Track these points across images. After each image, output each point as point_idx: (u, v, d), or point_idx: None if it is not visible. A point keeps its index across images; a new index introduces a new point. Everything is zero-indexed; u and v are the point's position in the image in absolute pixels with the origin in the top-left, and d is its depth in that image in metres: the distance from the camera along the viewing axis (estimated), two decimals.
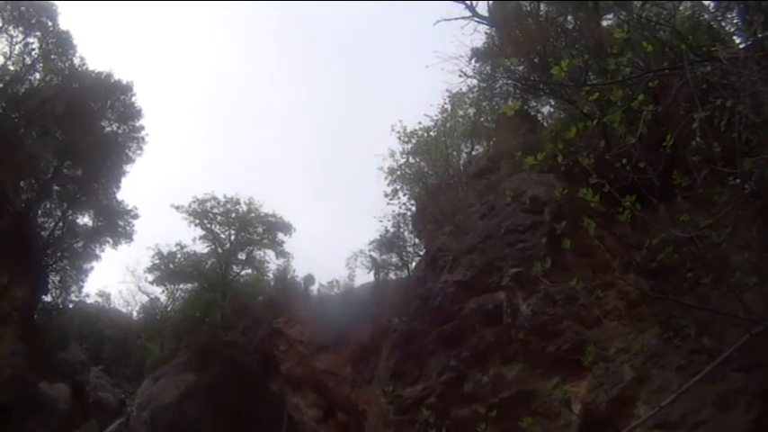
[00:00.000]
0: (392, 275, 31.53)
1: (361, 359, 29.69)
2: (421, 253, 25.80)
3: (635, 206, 6.78)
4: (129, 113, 38.46)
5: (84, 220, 39.23)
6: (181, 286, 41.17)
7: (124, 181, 39.78)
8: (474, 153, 25.71)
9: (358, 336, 29.95)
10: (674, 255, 7.54)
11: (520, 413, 10.54)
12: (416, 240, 28.91)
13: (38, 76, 35.05)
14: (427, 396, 14.14)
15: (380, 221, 29.93)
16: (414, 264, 27.89)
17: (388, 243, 30.48)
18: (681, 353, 10.21)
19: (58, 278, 38.03)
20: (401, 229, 29.84)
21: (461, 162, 24.69)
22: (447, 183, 22.25)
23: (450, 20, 22.53)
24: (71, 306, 40.34)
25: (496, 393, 12.74)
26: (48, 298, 37.19)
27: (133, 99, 38.49)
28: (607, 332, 11.29)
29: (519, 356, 12.73)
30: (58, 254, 37.65)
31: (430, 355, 14.85)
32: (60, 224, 37.29)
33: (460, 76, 19.94)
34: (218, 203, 38.73)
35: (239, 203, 38.86)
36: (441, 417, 12.70)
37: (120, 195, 39.36)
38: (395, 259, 30.99)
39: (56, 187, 36.66)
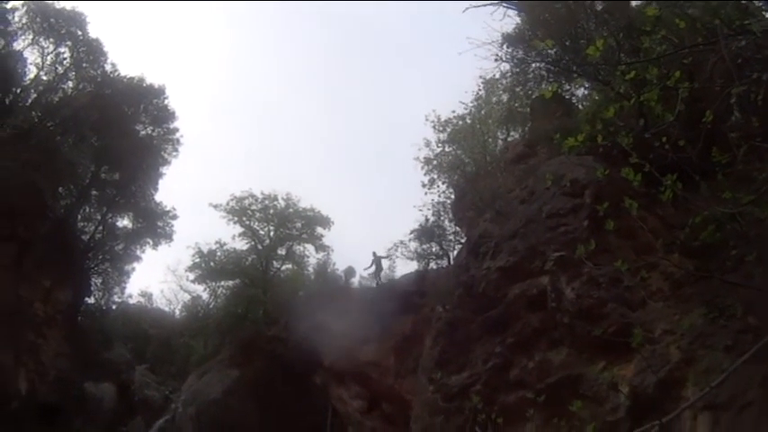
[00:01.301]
0: (433, 265, 31.70)
1: (404, 349, 29.92)
2: (462, 241, 25.93)
3: (676, 185, 6.78)
4: (162, 116, 39.39)
5: (124, 222, 40.60)
6: (222, 283, 41.94)
7: (161, 182, 40.77)
8: (510, 139, 25.73)
9: (400, 326, 30.19)
10: (717, 233, 7.48)
11: (567, 398, 10.60)
12: (457, 229, 29.03)
13: (71, 84, 36.33)
14: (473, 383, 14.27)
15: (420, 210, 30.14)
16: (454, 252, 28.03)
17: (428, 232, 30.65)
18: (727, 333, 10.13)
19: (100, 280, 39.23)
20: (441, 218, 30.01)
21: (498, 149, 24.73)
22: (485, 169, 22.33)
23: (478, 5, 22.50)
24: (114, 307, 41.62)
25: (543, 379, 12.83)
26: (91, 300, 38.41)
27: (166, 102, 39.57)
28: (652, 314, 11.28)
29: (565, 341, 12.82)
30: (100, 257, 38.83)
31: (475, 343, 14.99)
32: (100, 227, 38.59)
33: (496, 60, 19.96)
34: (256, 200, 39.28)
35: (277, 199, 39.39)
36: (487, 404, 12.83)
37: (157, 197, 40.46)
38: (435, 249, 31.12)
39: (94, 192, 37.88)
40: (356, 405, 32.13)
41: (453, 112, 27.26)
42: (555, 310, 13.19)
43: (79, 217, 37.94)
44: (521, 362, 13.76)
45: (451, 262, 27.59)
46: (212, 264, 39.82)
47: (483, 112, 26.39)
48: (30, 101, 34.70)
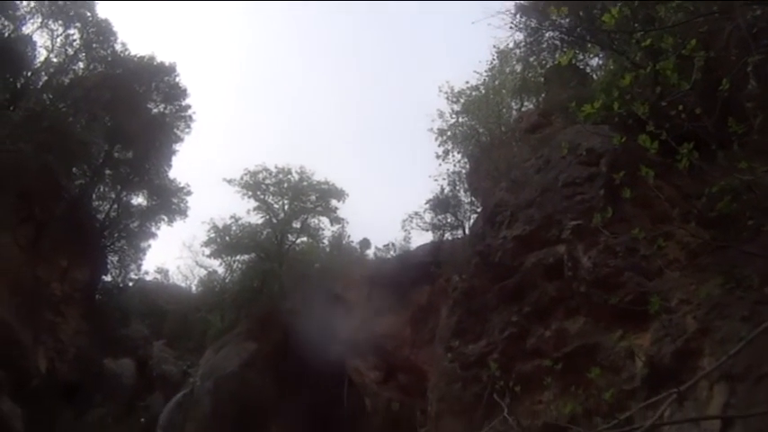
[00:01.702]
0: (448, 236, 31.90)
1: (420, 320, 30.23)
2: (477, 211, 26.07)
3: (692, 154, 6.83)
4: (174, 94, 39.79)
5: (139, 200, 41.24)
6: (238, 258, 42.37)
7: (175, 159, 41.37)
8: (524, 109, 25.73)
9: (416, 297, 30.49)
10: (734, 203, 7.54)
11: (584, 366, 10.74)
12: (472, 199, 29.18)
13: (81, 65, 36.81)
14: (490, 352, 14.38)
15: (435, 180, 30.28)
16: (469, 223, 28.18)
17: (442, 203, 30.84)
18: (744, 303, 10.13)
19: (116, 258, 39.90)
20: (456, 188, 30.15)
21: (512, 119, 24.75)
22: (500, 139, 22.39)
23: None
24: (131, 284, 42.27)
25: (560, 348, 12.95)
26: (108, 278, 39.22)
27: (177, 80, 40.02)
28: (669, 283, 11.32)
29: (581, 310, 12.91)
30: (115, 235, 39.51)
31: (491, 312, 15.05)
32: (115, 206, 39.31)
33: (510, 29, 19.90)
34: (270, 174, 39.49)
35: (291, 173, 39.58)
36: (504, 372, 12.91)
37: (171, 174, 40.91)
38: (450, 220, 31.29)
39: (108, 171, 38.46)
40: (373, 376, 32.49)
41: (467, 82, 27.28)
42: (571, 278, 13.27)
43: (94, 196, 38.58)
44: (537, 331, 13.86)
45: (467, 232, 27.76)
46: (227, 238, 40.23)
47: (497, 82, 26.37)
48: (41, 83, 35.06)
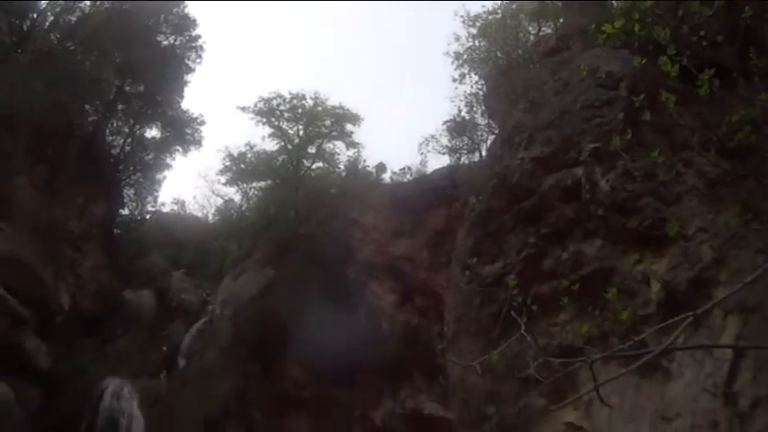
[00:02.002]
0: (464, 160, 31.96)
1: (437, 244, 30.67)
2: (495, 132, 26.09)
3: (713, 81, 6.86)
4: (183, 25, 39.74)
5: (152, 132, 41.71)
6: (254, 185, 42.53)
7: (187, 90, 41.44)
8: (541, 34, 25.43)
9: (433, 221, 30.87)
10: (753, 134, 7.51)
11: (600, 289, 10.96)
12: (489, 122, 29.15)
13: (87, 3, 36.21)
14: (507, 273, 14.48)
15: (452, 101, 30.17)
16: (486, 147, 28.22)
17: (459, 126, 30.83)
18: (760, 236, 10.21)
19: (132, 191, 40.65)
20: (473, 109, 30.06)
21: (529, 43, 24.49)
22: (517, 62, 22.22)
23: None
24: (148, 217, 43.23)
25: (576, 270, 13.09)
26: (125, 211, 40.18)
27: (186, 10, 39.57)
28: (686, 211, 11.45)
29: (598, 233, 13.02)
30: (131, 168, 40.09)
31: (508, 233, 15.19)
32: (129, 140, 39.82)
33: None
34: (284, 101, 39.08)
35: (305, 98, 39.15)
36: (521, 293, 13.14)
37: (184, 105, 40.94)
38: (467, 143, 31.31)
39: (120, 106, 38.80)
40: (390, 299, 33.09)
41: (483, 7, 26.97)
42: (589, 201, 13.36)
43: (107, 132, 39.05)
44: (555, 252, 14.04)
45: (483, 156, 27.82)
46: (243, 166, 40.28)
47: (514, 6, 26.04)
48: (47, 24, 34.68)
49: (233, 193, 45.75)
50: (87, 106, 36.30)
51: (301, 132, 39.35)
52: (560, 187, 14.21)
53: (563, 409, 13.19)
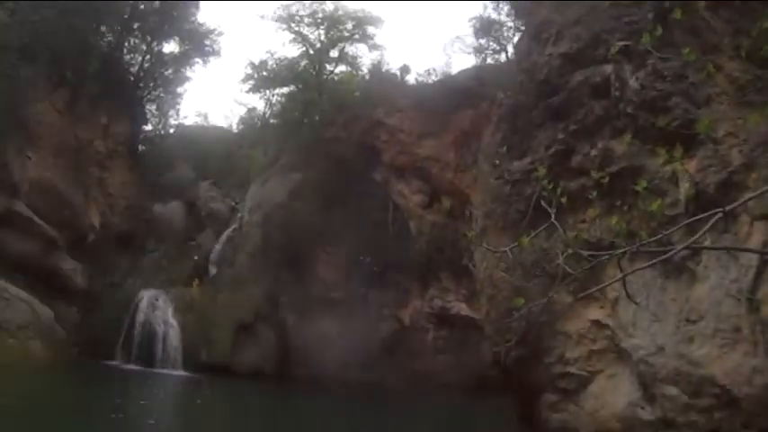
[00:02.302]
0: (490, 60, 31.48)
1: (463, 144, 30.60)
2: (521, 29, 25.58)
3: None
4: None
5: (170, 47, 41.32)
6: (276, 91, 42.48)
7: (204, 3, 40.70)
8: None
9: (459, 121, 30.68)
10: None
11: (629, 188, 10.97)
12: (514, 22, 28.51)
13: None
14: (535, 170, 14.39)
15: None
16: (512, 46, 27.72)
17: (485, 25, 30.20)
18: None
19: (154, 107, 40.75)
20: (499, 6, 29.38)
21: None
22: None
23: None
24: (172, 131, 43.71)
25: (605, 167, 12.93)
26: (148, 127, 40.31)
27: None
28: (716, 114, 11.24)
29: (627, 131, 12.89)
30: (151, 84, 40.23)
31: (537, 129, 15.07)
32: (147, 57, 39.61)
33: None
34: (304, 6, 38.52)
35: (325, 2, 38.51)
36: (549, 188, 13.12)
37: (201, 17, 40.23)
38: (492, 43, 30.78)
39: (136, 24, 38.04)
40: (417, 200, 33.30)
41: None
42: (618, 99, 13.19)
43: (125, 50, 38.81)
44: (583, 149, 14.00)
45: (509, 57, 27.35)
46: (264, 73, 40.07)
47: None
48: None
49: (256, 101, 45.80)
50: (103, 27, 36.10)
51: (322, 37, 38.80)
52: (589, 84, 14.00)
53: (589, 306, 13.48)
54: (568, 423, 14.05)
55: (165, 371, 29.11)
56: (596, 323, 13.33)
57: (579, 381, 13.73)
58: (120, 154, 35.01)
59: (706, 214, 5.79)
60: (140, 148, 37.69)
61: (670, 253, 5.55)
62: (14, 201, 27.94)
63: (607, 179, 11.11)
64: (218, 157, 48.34)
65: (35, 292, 28.30)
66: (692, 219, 6.16)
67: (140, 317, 30.55)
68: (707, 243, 8.27)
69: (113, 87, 33.97)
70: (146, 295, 31.58)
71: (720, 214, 5.33)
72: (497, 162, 15.90)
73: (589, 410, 13.45)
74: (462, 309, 31.63)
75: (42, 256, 29.89)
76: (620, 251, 5.49)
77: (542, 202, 7.89)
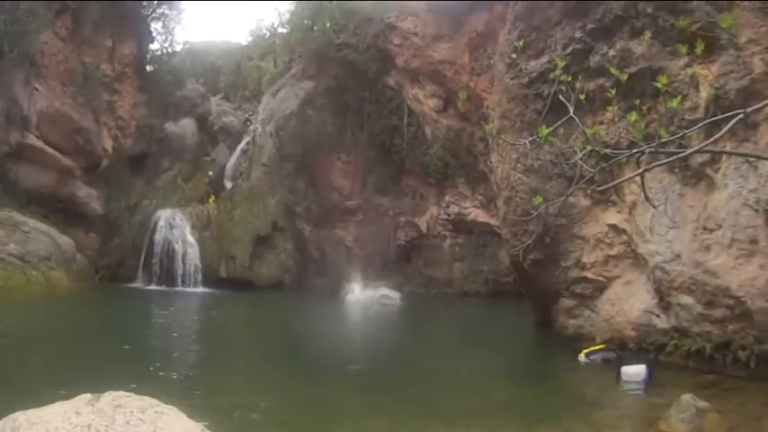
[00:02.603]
0: None
1: (478, 47, 29.89)
2: None
3: None
4: None
5: None
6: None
7: None
8: None
9: (473, 23, 29.86)
10: None
11: (648, 90, 10.62)
12: None
13: None
14: (552, 69, 14.08)
15: None
16: None
17: None
18: None
19: (160, 25, 39.34)
20: None
21: None
22: None
23: None
24: (179, 48, 42.37)
25: (623, 68, 12.66)
26: (155, 46, 39.07)
27: None
28: (739, 20, 10.78)
29: (647, 31, 12.52)
30: (155, 2, 38.52)
31: (554, 28, 14.67)
32: None
33: None
34: None
35: None
36: (567, 86, 12.85)
37: None
38: None
39: None
40: (431, 104, 32.90)
41: None
42: None
43: None
44: (601, 49, 13.66)
45: None
46: None
47: None
48: None
49: (264, 12, 44.76)
50: None
51: None
52: None
53: (606, 210, 13.36)
54: (584, 329, 14.20)
55: (186, 289, 29.59)
56: (613, 228, 13.28)
57: (595, 286, 13.79)
58: (127, 76, 34.60)
59: (726, 115, 5.58)
60: (148, 68, 37.01)
61: (689, 151, 5.32)
62: (26, 133, 27.88)
63: (624, 84, 10.81)
64: (227, 70, 47.76)
65: (54, 222, 28.64)
66: (711, 119, 5.86)
67: (158, 237, 30.74)
68: (727, 148, 8.00)
69: (116, 9, 33.15)
70: (162, 215, 31.70)
71: (741, 116, 5.08)
72: (514, 61, 15.50)
73: (605, 317, 13.56)
74: (479, 215, 31.64)
75: (58, 187, 30.14)
76: (639, 149, 5.28)
77: (561, 97, 7.61)
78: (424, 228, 33.47)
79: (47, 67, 28.45)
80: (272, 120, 35.80)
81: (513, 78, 15.44)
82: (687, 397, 8.03)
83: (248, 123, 40.47)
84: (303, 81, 35.95)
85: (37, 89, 27.98)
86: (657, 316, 12.15)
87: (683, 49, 9.24)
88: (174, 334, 17.09)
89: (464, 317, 25.15)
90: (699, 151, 5.62)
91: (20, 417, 3.83)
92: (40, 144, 28.53)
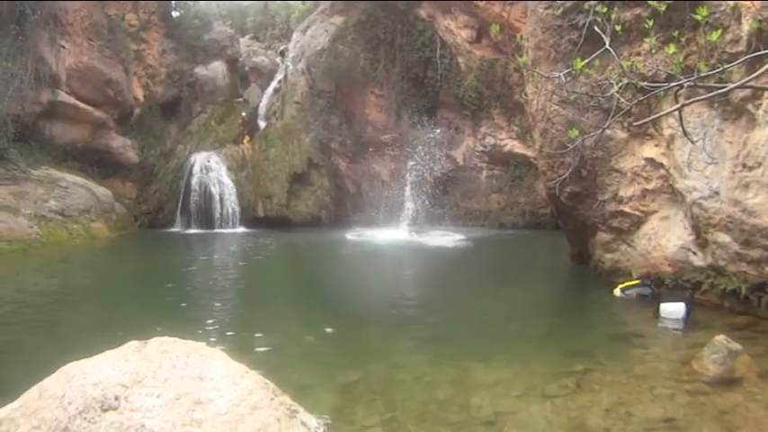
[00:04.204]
0: None
1: None
2: None
3: None
4: None
5: None
6: None
7: None
8: None
9: None
10: None
11: (687, 19, 10.30)
12: None
13: None
14: None
15: None
16: None
17: None
18: None
19: None
20: None
21: None
22: None
23: None
24: None
25: None
26: None
27: None
28: None
29: None
30: None
31: None
32: None
33: None
34: None
35: None
36: (603, 16, 12.56)
37: None
38: None
39: None
40: (464, 35, 32.36)
41: None
42: None
43: None
44: None
45: None
46: None
47: None
48: None
49: None
50: None
51: None
52: None
53: (644, 144, 13.15)
54: (621, 263, 14.16)
55: (224, 230, 30.28)
56: (651, 161, 13.07)
57: (632, 220, 13.68)
58: (153, 23, 34.79)
59: (766, 52, 5.40)
60: (173, 13, 36.78)
61: (730, 87, 5.18)
62: (56, 91, 28.19)
63: (664, 8, 10.45)
64: (255, 10, 47.17)
65: (91, 175, 29.59)
66: (754, 54, 5.70)
67: (195, 181, 31.40)
68: None
69: None
70: (197, 158, 32.28)
71: None
72: None
73: (641, 251, 13.48)
74: (515, 146, 31.41)
75: (92, 139, 30.70)
76: (677, 83, 5.19)
77: (596, 28, 7.45)
78: (460, 160, 33.38)
79: (71, 24, 28.58)
80: (303, 57, 35.72)
81: (546, 8, 15.01)
82: (720, 338, 7.97)
83: (282, 56, 40.32)
84: (333, 16, 35.69)
85: (64, 47, 28.20)
86: (694, 253, 12.02)
87: None
88: (216, 276, 17.42)
89: (501, 248, 25.18)
90: (740, 86, 5.45)
91: (72, 368, 4.00)
92: (71, 100, 28.94)
